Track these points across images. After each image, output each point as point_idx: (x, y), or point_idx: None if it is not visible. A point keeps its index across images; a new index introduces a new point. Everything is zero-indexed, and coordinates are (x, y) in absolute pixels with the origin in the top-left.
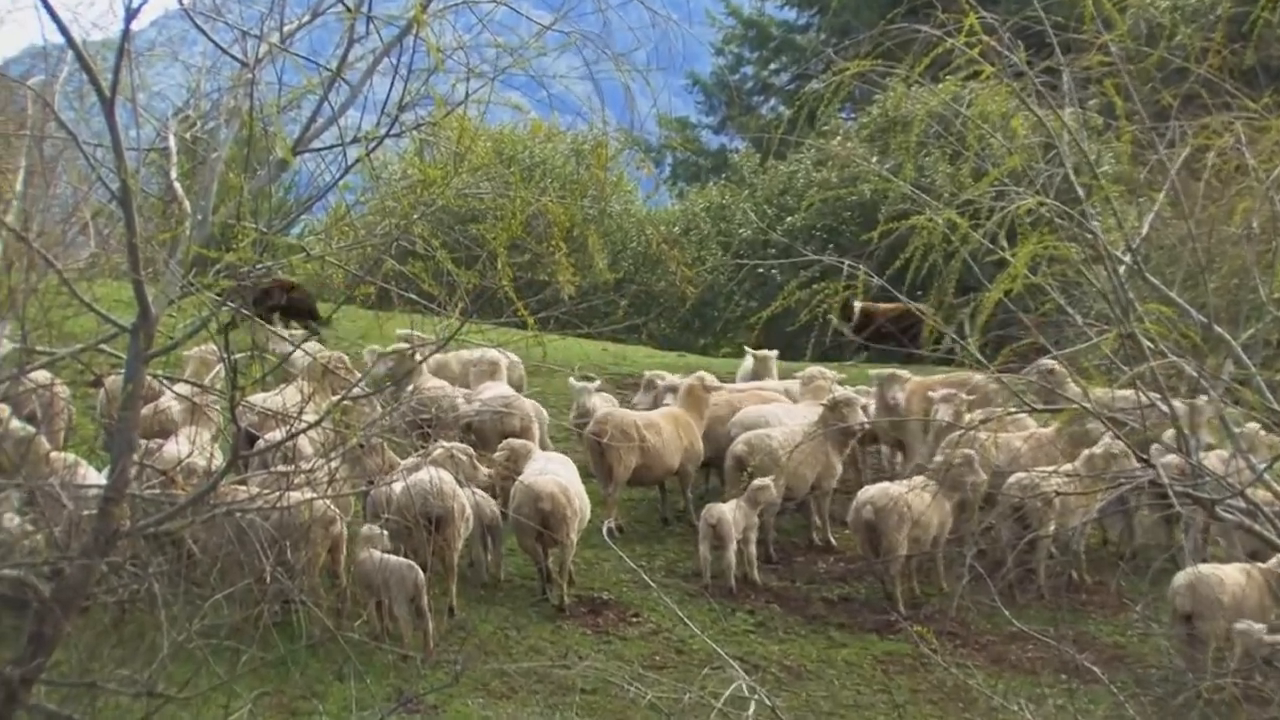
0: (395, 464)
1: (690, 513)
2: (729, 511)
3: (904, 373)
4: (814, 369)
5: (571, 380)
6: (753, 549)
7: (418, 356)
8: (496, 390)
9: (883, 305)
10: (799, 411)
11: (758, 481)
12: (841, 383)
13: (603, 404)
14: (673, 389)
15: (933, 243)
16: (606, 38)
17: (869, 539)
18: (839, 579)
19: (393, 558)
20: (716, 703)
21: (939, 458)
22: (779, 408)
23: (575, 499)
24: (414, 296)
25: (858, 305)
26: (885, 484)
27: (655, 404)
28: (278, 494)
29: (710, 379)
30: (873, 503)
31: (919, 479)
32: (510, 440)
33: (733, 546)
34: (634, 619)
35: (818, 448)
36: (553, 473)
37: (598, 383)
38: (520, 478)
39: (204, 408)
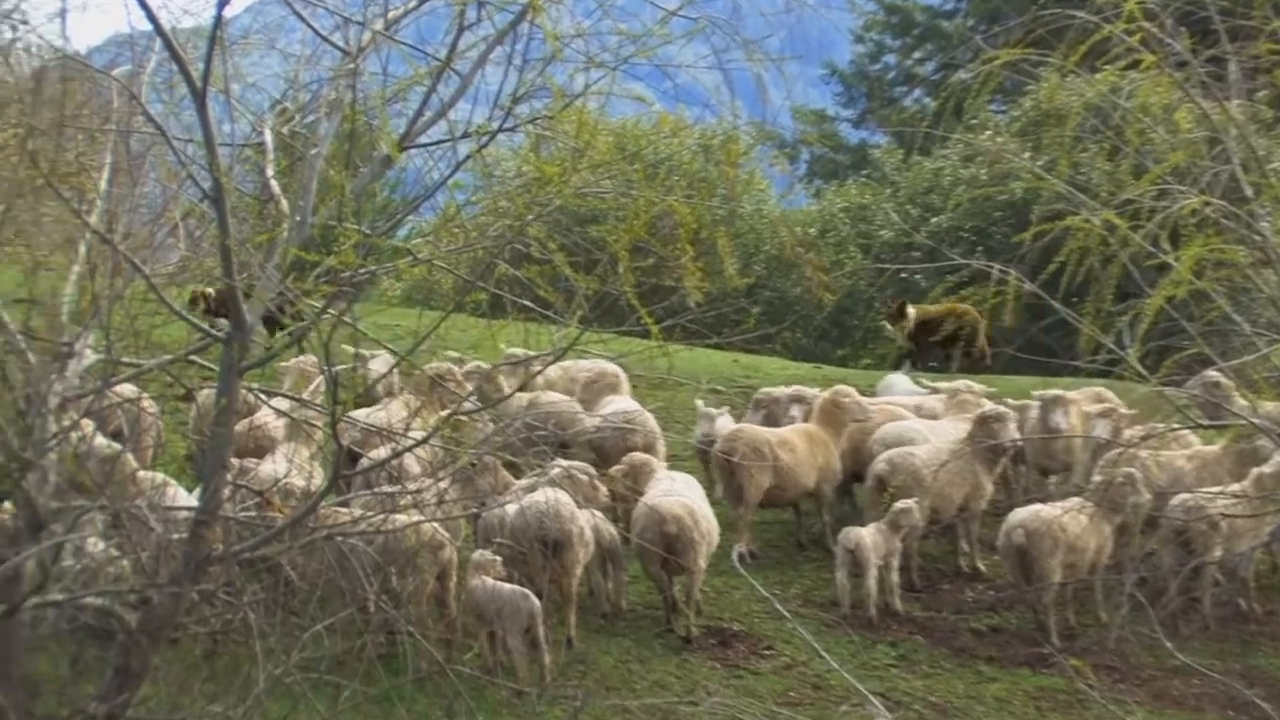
0: (509, 484)
1: (827, 537)
2: (869, 535)
3: (1072, 395)
4: (960, 382)
5: (698, 402)
6: (895, 576)
7: (534, 367)
8: (619, 404)
9: (933, 308)
10: (944, 428)
11: (900, 503)
12: (990, 397)
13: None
14: (800, 399)
15: (1089, 246)
16: (737, 24)
17: (1020, 565)
18: (988, 608)
19: (506, 585)
20: None
21: (1097, 477)
22: (922, 423)
23: (703, 522)
24: (529, 303)
25: (911, 310)
26: (1038, 505)
27: (767, 421)
28: (382, 517)
29: (849, 392)
30: (1024, 526)
31: (1074, 500)
32: (633, 455)
33: (873, 573)
34: (766, 652)
35: (965, 467)
36: (678, 493)
37: (724, 410)
38: (643, 498)
39: (303, 424)
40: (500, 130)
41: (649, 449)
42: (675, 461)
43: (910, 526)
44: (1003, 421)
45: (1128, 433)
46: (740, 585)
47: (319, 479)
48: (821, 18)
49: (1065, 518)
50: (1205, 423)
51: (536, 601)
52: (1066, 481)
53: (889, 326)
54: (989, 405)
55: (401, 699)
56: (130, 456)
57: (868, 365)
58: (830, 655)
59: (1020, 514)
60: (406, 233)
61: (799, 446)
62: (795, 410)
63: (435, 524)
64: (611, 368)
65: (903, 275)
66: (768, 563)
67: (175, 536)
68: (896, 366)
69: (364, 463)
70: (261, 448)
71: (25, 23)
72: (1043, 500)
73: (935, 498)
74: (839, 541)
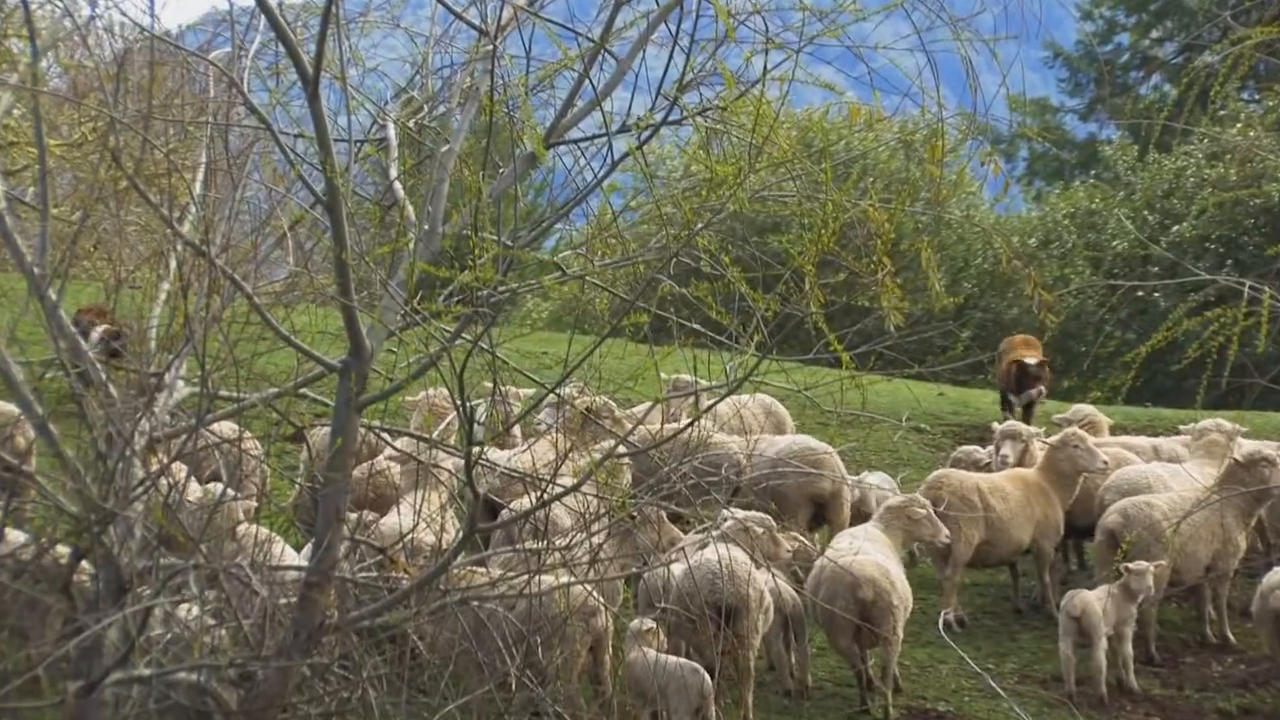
0: (675, 539)
1: (1050, 602)
2: (1098, 600)
3: None
4: (1208, 421)
5: (868, 477)
6: (1129, 647)
7: (704, 402)
8: (791, 440)
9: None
10: (1187, 473)
11: (1136, 564)
12: (1245, 436)
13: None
14: (1014, 436)
15: None
16: None
17: (1278, 633)
18: (1239, 685)
19: (672, 658)
20: None
21: None
22: (1162, 468)
23: (899, 584)
24: (698, 327)
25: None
26: None
27: (1019, 462)
28: (526, 578)
29: (1083, 437)
30: None
31: None
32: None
33: (1103, 644)
34: None
35: (1214, 519)
36: (867, 551)
37: (892, 482)
38: (828, 556)
39: (432, 468)
40: (664, 123)
41: (836, 496)
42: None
43: (1147, 590)
44: (1273, 465)
45: None
46: (947, 658)
47: (451, 533)
48: None
49: None
50: None
51: (708, 678)
52: None
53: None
54: (1248, 445)
55: None
56: (231, 507)
57: (1097, 399)
58: None
59: (1279, 574)
60: (554, 244)
61: (1013, 495)
62: (1008, 449)
63: (588, 586)
64: (772, 403)
65: (1139, 293)
66: (979, 632)
67: (283, 601)
68: (1129, 401)
69: (504, 514)
70: (384, 497)
71: None
72: None
73: (1177, 556)
74: (1063, 608)
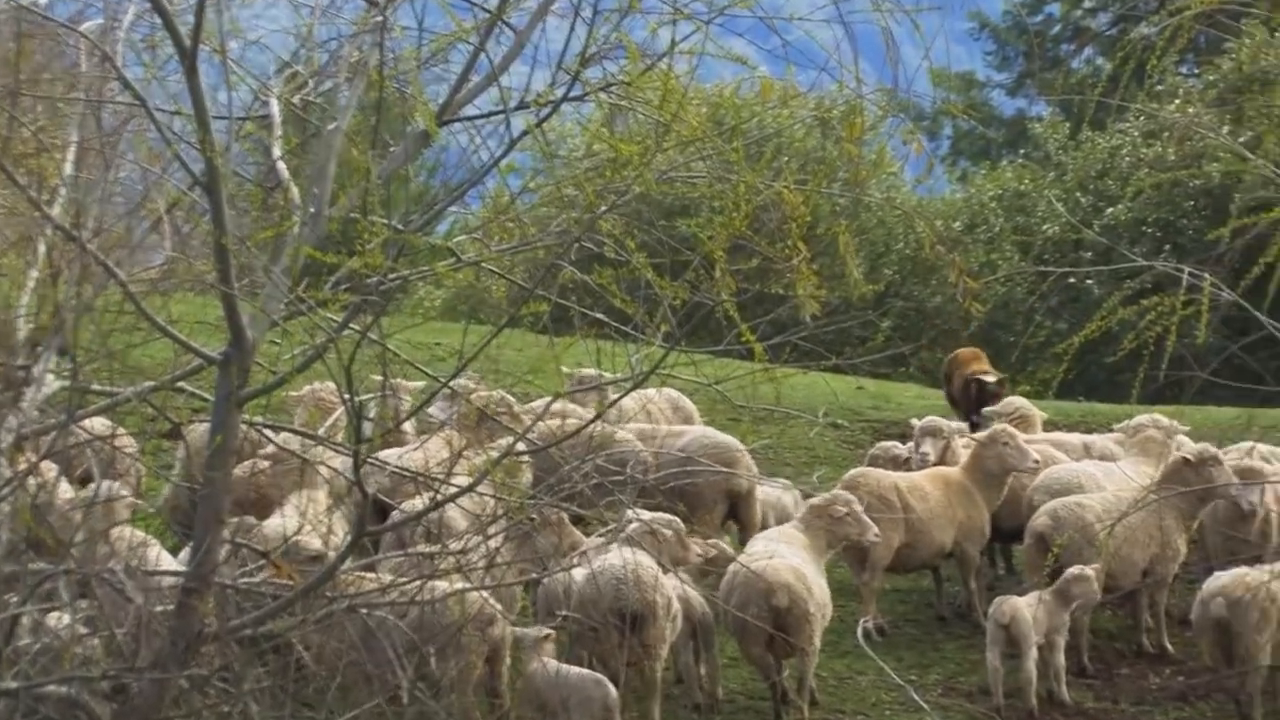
0: (577, 543)
1: (976, 609)
2: (1028, 607)
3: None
4: (1144, 417)
5: (767, 491)
6: (1060, 658)
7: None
8: (701, 433)
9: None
10: (1122, 472)
11: (1072, 570)
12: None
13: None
14: (934, 433)
15: None
16: None
17: (1220, 643)
18: (1177, 697)
19: (575, 669)
20: None
21: None
22: (1095, 466)
23: (816, 590)
24: (601, 317)
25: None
26: (1242, 569)
27: (940, 460)
28: (418, 584)
29: (1011, 434)
30: (1225, 594)
31: None
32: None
33: (1033, 654)
34: None
35: (1151, 521)
36: (783, 554)
37: (795, 494)
38: (740, 560)
39: (318, 467)
40: (565, 99)
41: (750, 494)
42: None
43: (1082, 597)
44: (1220, 466)
45: None
46: (866, 669)
47: (338, 537)
48: None
49: (1276, 584)
50: None
51: (613, 689)
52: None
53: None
54: (1191, 444)
55: None
56: (113, 506)
57: (1026, 393)
58: None
59: (1221, 579)
60: (448, 228)
61: (932, 495)
62: (928, 446)
63: (484, 593)
64: (679, 397)
65: (1071, 280)
66: (901, 641)
67: (159, 609)
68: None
69: (395, 516)
70: (266, 497)
71: None
72: (1250, 562)
73: (1112, 560)
74: (990, 615)
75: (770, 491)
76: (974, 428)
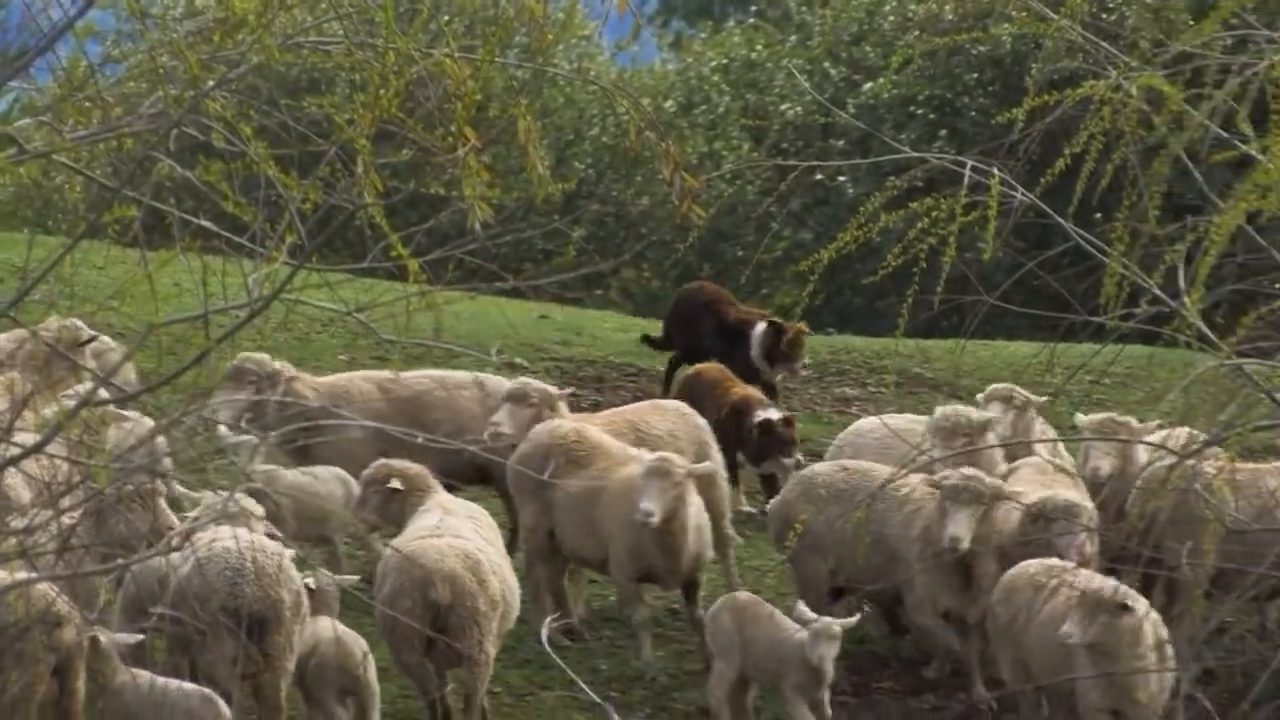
0: (173, 524)
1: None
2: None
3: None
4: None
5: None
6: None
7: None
8: (351, 376)
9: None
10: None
11: None
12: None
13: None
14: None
15: (1119, 130)
16: None
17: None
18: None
19: (175, 683)
20: None
21: None
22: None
23: (493, 581)
24: (209, 224)
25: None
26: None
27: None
28: None
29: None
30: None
31: None
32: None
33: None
34: None
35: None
36: (454, 533)
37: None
38: (396, 543)
39: None
40: None
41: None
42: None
43: None
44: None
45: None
46: (553, 682)
47: None
48: None
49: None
50: None
51: (225, 709)
52: None
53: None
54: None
55: None
56: None
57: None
58: None
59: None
60: (6, 108)
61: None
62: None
63: (52, 586)
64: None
65: (818, 177)
66: (598, 649)
67: None
68: (805, 318)
69: None
70: None
71: None
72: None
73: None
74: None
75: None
76: (735, 468)
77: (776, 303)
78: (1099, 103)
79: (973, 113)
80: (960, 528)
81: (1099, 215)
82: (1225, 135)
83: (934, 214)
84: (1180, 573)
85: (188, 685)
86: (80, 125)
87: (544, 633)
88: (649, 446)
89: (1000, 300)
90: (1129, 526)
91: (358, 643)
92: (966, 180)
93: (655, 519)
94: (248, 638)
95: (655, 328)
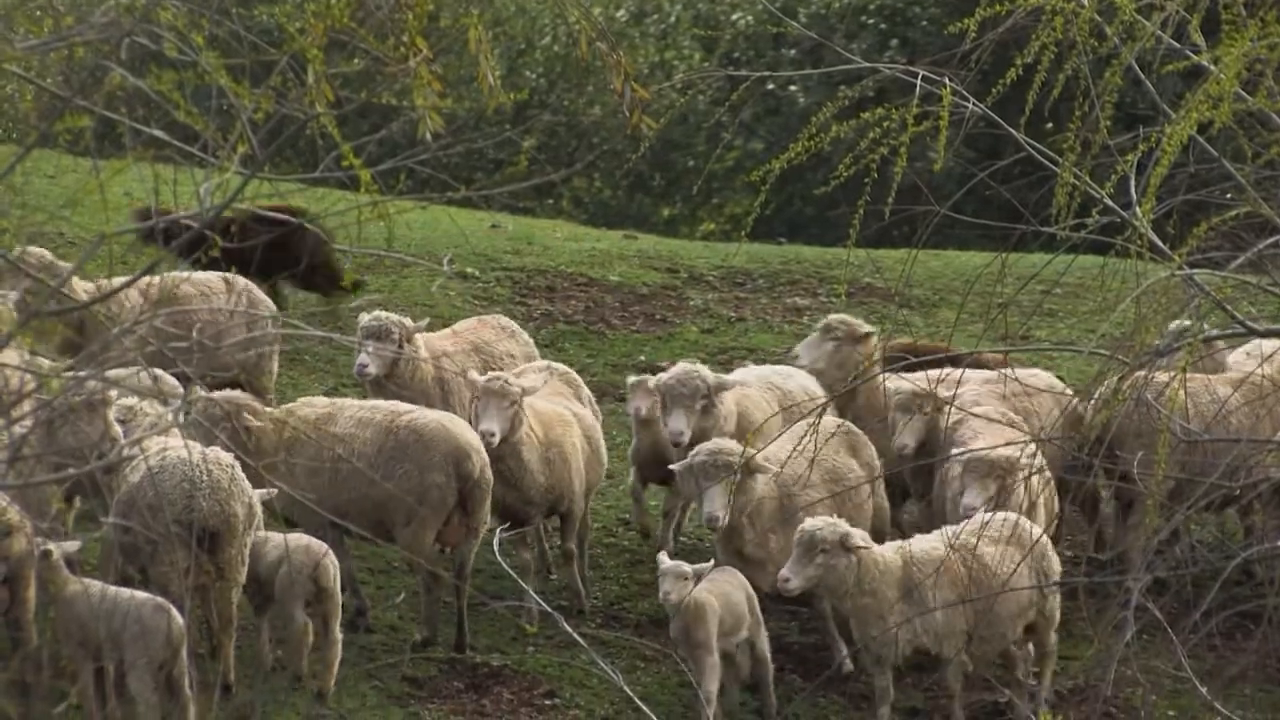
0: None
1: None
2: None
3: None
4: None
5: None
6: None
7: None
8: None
9: None
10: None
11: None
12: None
13: None
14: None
15: (1071, 40)
16: None
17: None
18: None
19: (127, 592)
20: None
21: None
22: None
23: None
24: (161, 134)
25: None
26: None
27: None
28: None
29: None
30: None
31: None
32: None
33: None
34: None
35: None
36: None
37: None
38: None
39: None
40: None
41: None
42: None
43: None
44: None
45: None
46: (505, 591)
47: None
48: None
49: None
50: (1268, 328)
51: (178, 617)
52: None
53: None
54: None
55: None
56: None
57: (711, 231)
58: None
59: None
60: None
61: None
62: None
63: (2, 495)
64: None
65: (769, 86)
66: (554, 557)
67: None
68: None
69: None
70: None
71: None
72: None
73: None
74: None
75: None
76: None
77: (727, 212)
78: (1051, 12)
79: (924, 22)
80: (715, 505)
81: (1050, 125)
82: (1177, 46)
83: (885, 124)
84: (1133, 483)
85: (140, 594)
86: (32, 34)
87: (495, 543)
88: (493, 366)
89: (952, 210)
90: (1081, 438)
91: (326, 551)
92: (918, 90)
93: (496, 438)
94: (200, 549)
95: (606, 237)
